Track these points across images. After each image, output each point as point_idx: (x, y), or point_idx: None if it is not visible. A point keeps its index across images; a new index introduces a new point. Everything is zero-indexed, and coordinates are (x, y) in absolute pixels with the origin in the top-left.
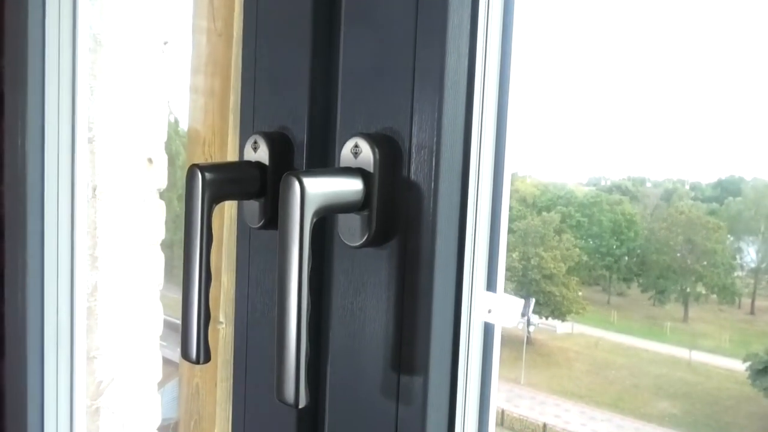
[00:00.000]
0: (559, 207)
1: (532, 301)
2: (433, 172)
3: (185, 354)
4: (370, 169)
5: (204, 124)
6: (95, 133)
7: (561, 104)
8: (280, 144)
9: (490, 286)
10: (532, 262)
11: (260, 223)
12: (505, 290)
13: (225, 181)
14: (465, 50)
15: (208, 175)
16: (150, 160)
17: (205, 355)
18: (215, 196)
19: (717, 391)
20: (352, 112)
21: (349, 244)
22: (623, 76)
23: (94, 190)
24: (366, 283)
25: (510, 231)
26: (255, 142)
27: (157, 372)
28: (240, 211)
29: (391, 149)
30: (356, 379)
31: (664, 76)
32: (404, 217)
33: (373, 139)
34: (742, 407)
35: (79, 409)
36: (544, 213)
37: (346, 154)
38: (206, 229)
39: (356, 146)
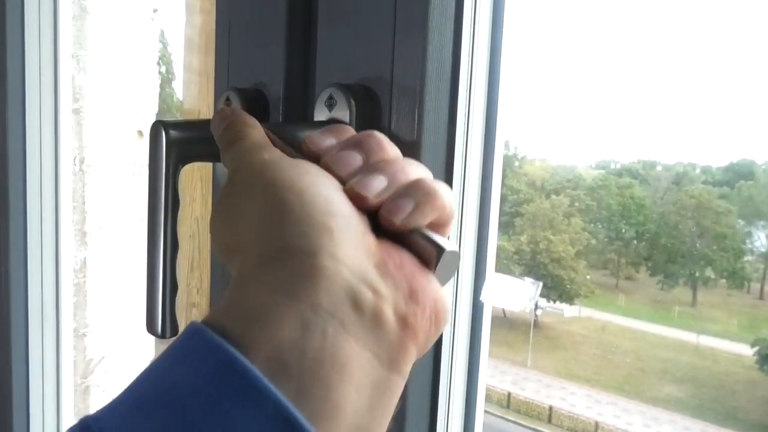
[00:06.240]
0: (567, 190)
1: (539, 285)
2: (415, 125)
3: (150, 328)
4: (346, 121)
5: (198, 99)
6: (82, 104)
7: (571, 86)
8: (254, 100)
9: (480, 261)
10: (541, 245)
11: None
12: (514, 273)
13: (193, 140)
14: None
15: (173, 133)
16: (140, 133)
17: (171, 330)
18: (182, 156)
19: (724, 375)
20: (328, 61)
21: None
22: (634, 58)
23: (82, 163)
24: None
25: (518, 214)
26: (227, 99)
27: (150, 350)
28: (214, 173)
29: (369, 100)
30: None
31: (676, 58)
32: None
33: (349, 90)
34: (749, 392)
35: (66, 388)
36: (553, 196)
37: (320, 106)
38: (172, 194)
39: (331, 97)
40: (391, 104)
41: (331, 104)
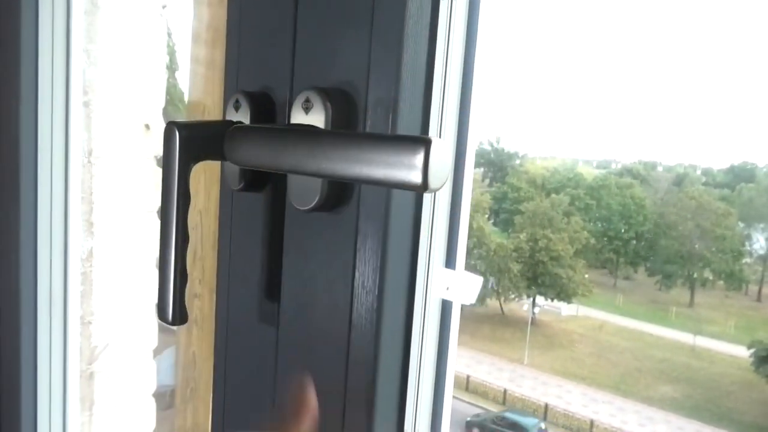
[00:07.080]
0: (568, 189)
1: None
2: (389, 130)
3: (161, 316)
4: (321, 125)
5: (204, 92)
6: (91, 97)
7: (573, 86)
8: (261, 103)
9: (450, 261)
10: (540, 243)
11: (241, 185)
12: (513, 271)
13: (204, 139)
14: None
15: (185, 133)
16: (147, 126)
17: (181, 317)
18: (193, 155)
19: (720, 376)
20: (306, 65)
21: (299, 208)
22: (638, 58)
23: (90, 155)
24: (316, 250)
25: (518, 212)
26: (237, 101)
27: (152, 338)
28: (222, 172)
29: (345, 104)
30: (306, 357)
31: (680, 59)
32: None
33: (326, 94)
34: (744, 393)
35: (73, 374)
36: (553, 195)
37: (296, 109)
38: (183, 190)
39: (307, 101)
40: (366, 109)
41: (307, 107)
